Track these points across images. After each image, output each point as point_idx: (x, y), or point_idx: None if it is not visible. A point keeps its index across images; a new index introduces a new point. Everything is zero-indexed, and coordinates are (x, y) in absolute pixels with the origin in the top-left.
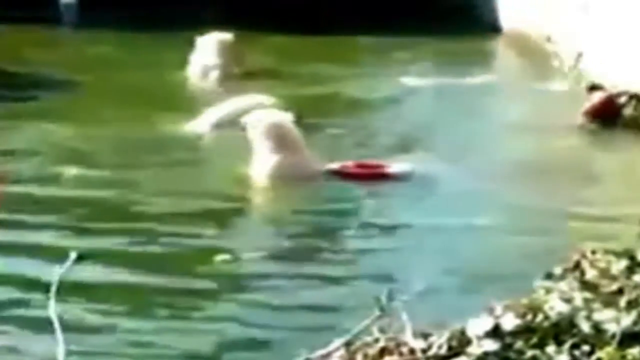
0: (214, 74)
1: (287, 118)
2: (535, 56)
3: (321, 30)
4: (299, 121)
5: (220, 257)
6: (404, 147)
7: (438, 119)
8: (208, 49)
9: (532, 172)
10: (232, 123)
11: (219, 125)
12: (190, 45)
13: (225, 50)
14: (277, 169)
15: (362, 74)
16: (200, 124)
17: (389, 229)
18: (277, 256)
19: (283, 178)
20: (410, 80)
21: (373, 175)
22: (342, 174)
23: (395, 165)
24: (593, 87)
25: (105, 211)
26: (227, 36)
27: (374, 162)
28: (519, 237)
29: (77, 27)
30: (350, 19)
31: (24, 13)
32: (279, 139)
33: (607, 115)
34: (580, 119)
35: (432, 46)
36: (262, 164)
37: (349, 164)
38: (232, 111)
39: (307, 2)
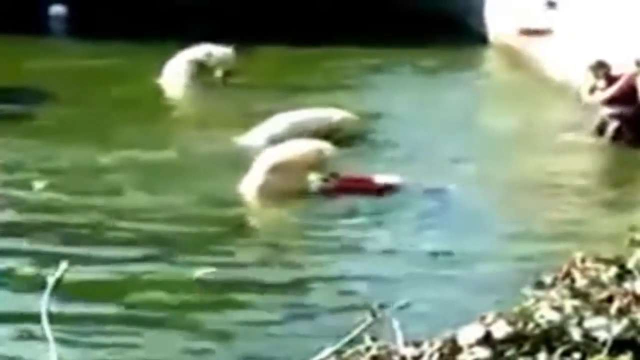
0: (184, 83)
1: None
2: (523, 67)
3: (315, 43)
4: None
5: (202, 271)
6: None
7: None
8: (183, 61)
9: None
10: (286, 137)
11: (274, 140)
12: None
13: (203, 63)
14: (265, 186)
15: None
16: (254, 138)
17: (378, 244)
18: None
19: (271, 194)
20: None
21: (362, 189)
22: (332, 189)
23: (382, 177)
24: (599, 66)
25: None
26: (212, 49)
27: (359, 175)
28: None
29: (66, 37)
30: (341, 33)
31: (13, 23)
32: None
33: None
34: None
35: (423, 57)
36: (251, 180)
37: (333, 178)
38: (289, 126)
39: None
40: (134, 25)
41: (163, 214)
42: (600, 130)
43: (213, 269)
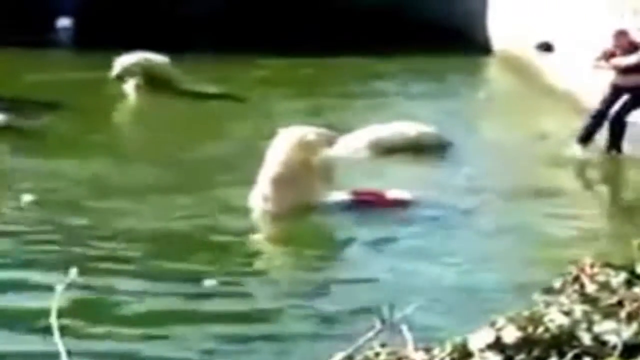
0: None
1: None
2: (525, 75)
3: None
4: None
5: (208, 282)
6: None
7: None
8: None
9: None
10: (368, 153)
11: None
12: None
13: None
14: (274, 199)
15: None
16: (337, 153)
17: (386, 253)
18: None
19: (281, 207)
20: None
21: (375, 203)
22: (346, 203)
23: (393, 192)
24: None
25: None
26: (150, 57)
27: (370, 189)
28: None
29: (71, 49)
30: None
31: (23, 37)
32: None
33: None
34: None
35: (427, 66)
36: (260, 193)
37: (345, 191)
38: (369, 142)
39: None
40: (140, 37)
41: (167, 224)
42: (584, 139)
43: (214, 282)
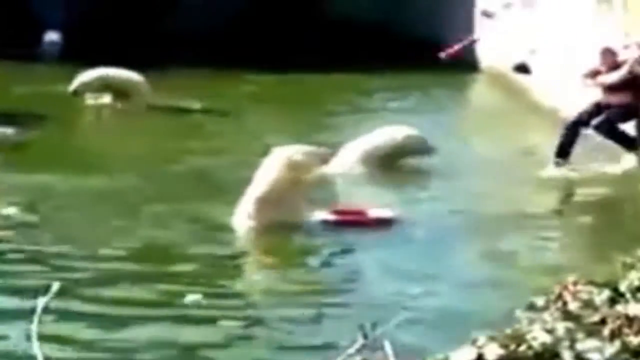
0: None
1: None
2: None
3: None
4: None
5: (191, 297)
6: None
7: None
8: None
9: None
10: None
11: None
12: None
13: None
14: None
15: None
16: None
17: (368, 273)
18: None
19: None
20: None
21: (357, 222)
22: (330, 222)
23: (376, 211)
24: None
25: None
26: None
27: (353, 208)
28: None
29: (59, 63)
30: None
31: (11, 50)
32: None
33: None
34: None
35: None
36: (244, 211)
37: (327, 210)
38: (362, 153)
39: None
40: (129, 51)
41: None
42: (561, 152)
43: (200, 296)
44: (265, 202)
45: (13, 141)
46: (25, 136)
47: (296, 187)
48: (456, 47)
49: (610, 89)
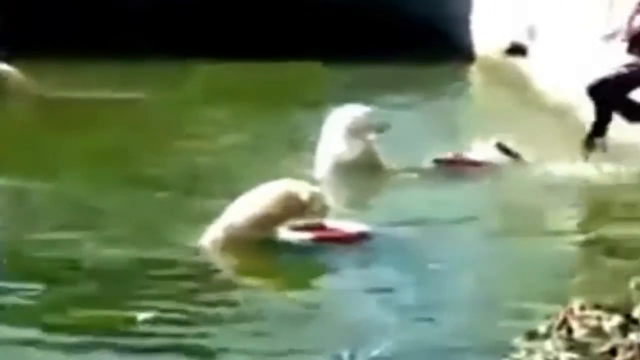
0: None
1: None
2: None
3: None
4: None
5: (142, 316)
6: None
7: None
8: None
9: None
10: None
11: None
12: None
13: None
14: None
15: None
16: (319, 170)
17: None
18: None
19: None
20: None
21: (336, 239)
22: (309, 239)
23: (350, 226)
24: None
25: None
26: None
27: (329, 224)
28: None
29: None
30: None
31: None
32: None
33: None
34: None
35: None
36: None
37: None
38: (352, 152)
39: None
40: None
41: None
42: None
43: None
44: (242, 228)
45: None
46: None
47: (283, 222)
48: None
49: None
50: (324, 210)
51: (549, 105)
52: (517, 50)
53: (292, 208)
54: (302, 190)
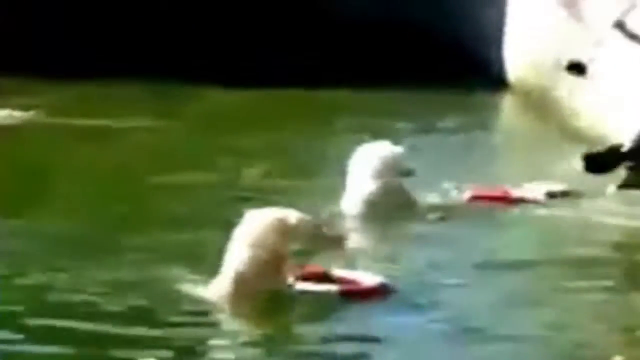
0: None
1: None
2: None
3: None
4: None
5: None
6: None
7: None
8: None
9: None
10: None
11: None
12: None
13: None
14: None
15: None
16: (347, 204)
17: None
18: None
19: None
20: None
21: (349, 291)
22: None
23: (370, 278)
24: (573, 66)
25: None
26: None
27: (341, 274)
28: None
29: None
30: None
31: None
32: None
33: None
34: None
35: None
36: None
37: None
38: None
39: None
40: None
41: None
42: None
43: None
44: (246, 274)
45: None
46: None
47: (282, 255)
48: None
49: None
50: (340, 240)
51: (589, 137)
52: (576, 67)
53: (283, 232)
54: (289, 215)
